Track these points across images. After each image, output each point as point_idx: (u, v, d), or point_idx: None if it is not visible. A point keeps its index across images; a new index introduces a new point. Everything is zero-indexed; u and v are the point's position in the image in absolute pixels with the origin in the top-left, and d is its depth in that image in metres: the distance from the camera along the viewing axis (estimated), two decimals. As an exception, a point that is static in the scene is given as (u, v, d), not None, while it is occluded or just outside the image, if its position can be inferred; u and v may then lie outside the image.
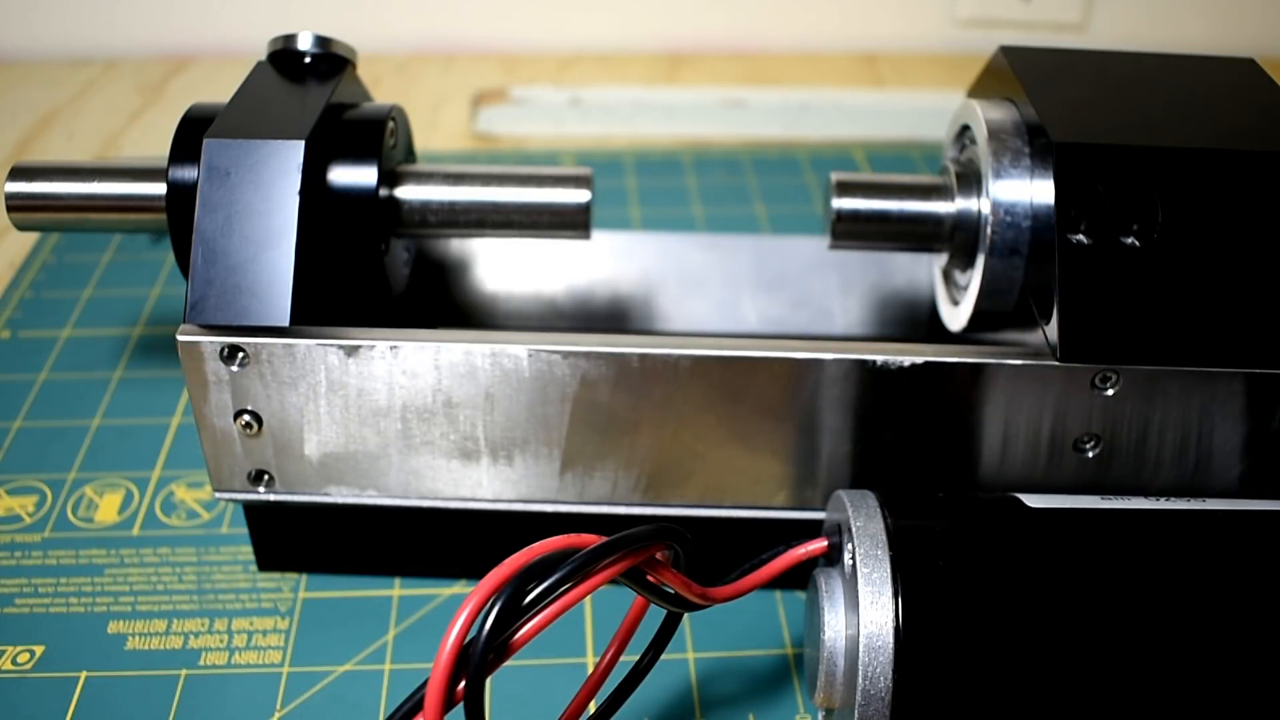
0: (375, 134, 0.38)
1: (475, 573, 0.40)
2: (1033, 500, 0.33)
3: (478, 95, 0.75)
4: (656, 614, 0.32)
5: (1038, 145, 0.35)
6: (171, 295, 0.55)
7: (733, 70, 0.80)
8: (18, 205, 0.39)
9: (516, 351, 0.34)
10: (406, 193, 0.39)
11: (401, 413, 0.35)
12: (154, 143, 0.69)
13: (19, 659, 0.37)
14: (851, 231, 0.39)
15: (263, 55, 0.41)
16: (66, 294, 0.55)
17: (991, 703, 0.30)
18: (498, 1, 0.82)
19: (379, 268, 0.39)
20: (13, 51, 0.81)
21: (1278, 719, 0.30)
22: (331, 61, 0.40)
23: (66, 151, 0.68)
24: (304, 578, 0.40)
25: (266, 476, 0.36)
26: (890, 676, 0.29)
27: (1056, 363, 0.33)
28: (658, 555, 0.29)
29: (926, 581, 0.30)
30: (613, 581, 0.28)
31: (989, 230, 0.35)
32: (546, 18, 0.82)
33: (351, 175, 0.37)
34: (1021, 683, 0.29)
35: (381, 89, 0.73)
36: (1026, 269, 0.36)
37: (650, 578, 0.29)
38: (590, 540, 0.28)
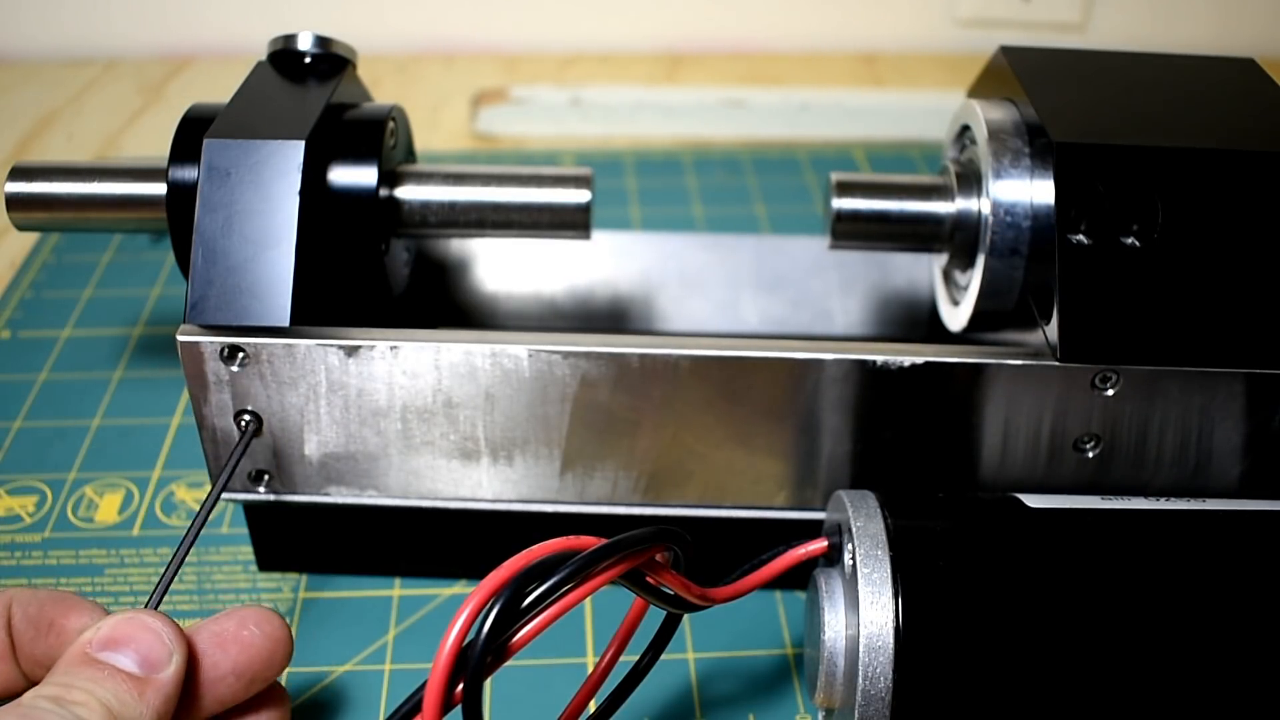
0: (375, 134, 0.38)
1: (475, 573, 0.40)
2: (1033, 500, 0.33)
3: (478, 95, 0.75)
4: (656, 614, 0.32)
5: (1038, 145, 0.35)
6: (171, 295, 0.55)
7: (733, 70, 0.80)
8: (18, 205, 0.39)
9: (516, 352, 0.34)
10: (407, 193, 0.39)
11: (401, 413, 0.35)
12: (154, 143, 0.69)
13: (19, 659, 0.37)
14: (851, 231, 0.39)
15: (263, 55, 0.41)
16: (66, 294, 0.55)
17: (991, 702, 0.30)
18: (498, 1, 0.82)
19: (379, 268, 0.39)
20: (13, 51, 0.81)
21: (1278, 719, 0.30)
22: (331, 61, 0.40)
23: (66, 152, 0.68)
24: (304, 578, 0.40)
25: (266, 476, 0.36)
26: (890, 676, 0.29)
27: (1056, 363, 0.33)
28: (657, 557, 0.29)
29: (926, 581, 0.30)
30: (612, 583, 0.28)
31: (989, 230, 0.35)
32: (546, 18, 0.82)
33: (352, 175, 0.37)
34: (1021, 682, 0.29)
35: (381, 89, 0.73)
36: (1026, 269, 0.36)
37: (650, 579, 0.29)
38: (589, 542, 0.28)
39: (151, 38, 0.82)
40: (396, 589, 0.40)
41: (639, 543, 0.28)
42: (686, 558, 0.30)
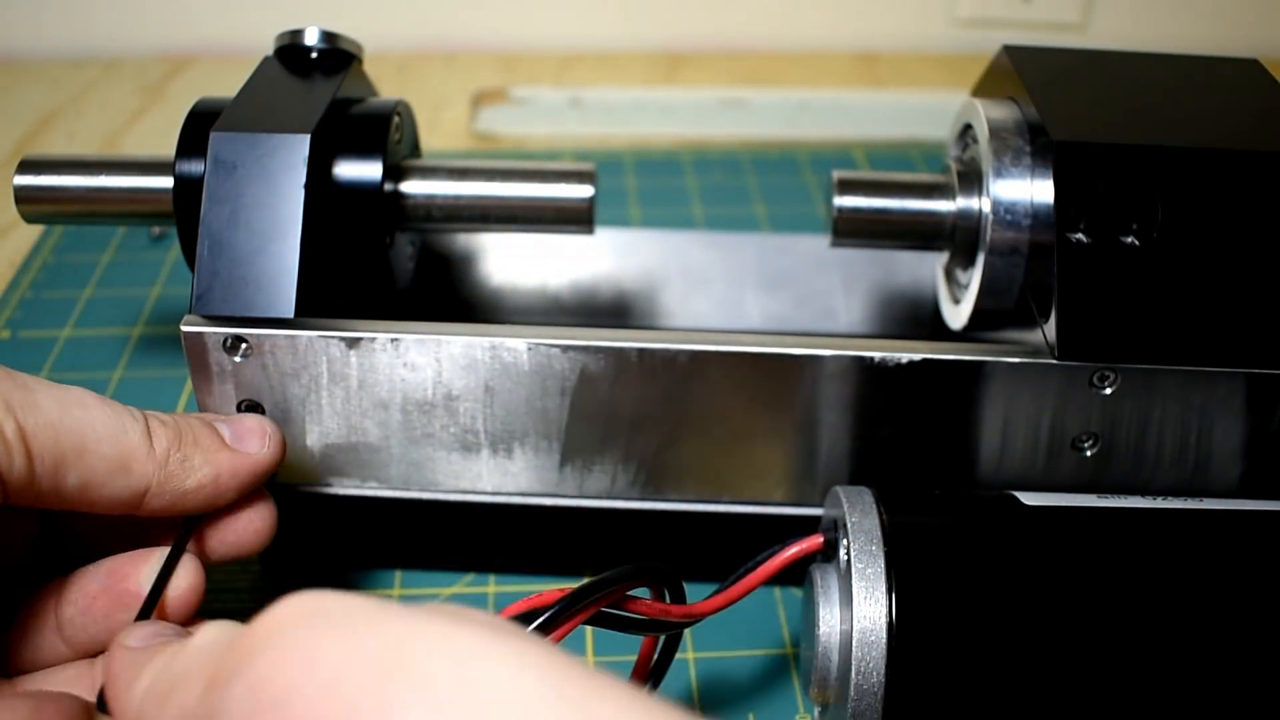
0: (380, 128, 0.38)
1: (475, 565, 0.40)
2: (1029, 498, 0.33)
3: (478, 95, 0.75)
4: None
5: (1039, 144, 0.35)
6: (171, 295, 0.55)
7: (733, 70, 0.80)
8: (27, 198, 0.40)
9: (516, 345, 0.34)
10: (411, 187, 0.39)
11: (402, 405, 0.35)
12: (154, 143, 0.69)
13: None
14: (853, 229, 0.39)
15: (263, 55, 0.41)
16: (66, 294, 0.55)
17: (984, 699, 0.30)
18: (498, 1, 0.82)
19: (383, 261, 0.39)
20: (13, 51, 0.81)
21: (1277, 718, 0.30)
22: (337, 56, 0.40)
23: (67, 151, 0.68)
24: (304, 577, 0.40)
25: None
26: (883, 671, 0.29)
27: (1054, 361, 0.33)
28: (634, 593, 0.30)
29: (921, 577, 0.30)
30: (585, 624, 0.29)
31: (989, 229, 0.35)
32: (546, 18, 0.82)
33: (357, 169, 0.38)
34: (1014, 679, 0.29)
35: (382, 89, 0.73)
36: (1026, 268, 0.36)
37: (622, 613, 0.29)
38: (551, 597, 0.28)
39: (151, 38, 0.82)
40: (396, 589, 0.40)
41: (604, 586, 0.28)
42: (670, 584, 0.30)
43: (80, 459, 0.28)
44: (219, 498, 0.31)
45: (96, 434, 0.29)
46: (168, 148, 0.38)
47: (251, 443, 0.32)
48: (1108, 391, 0.34)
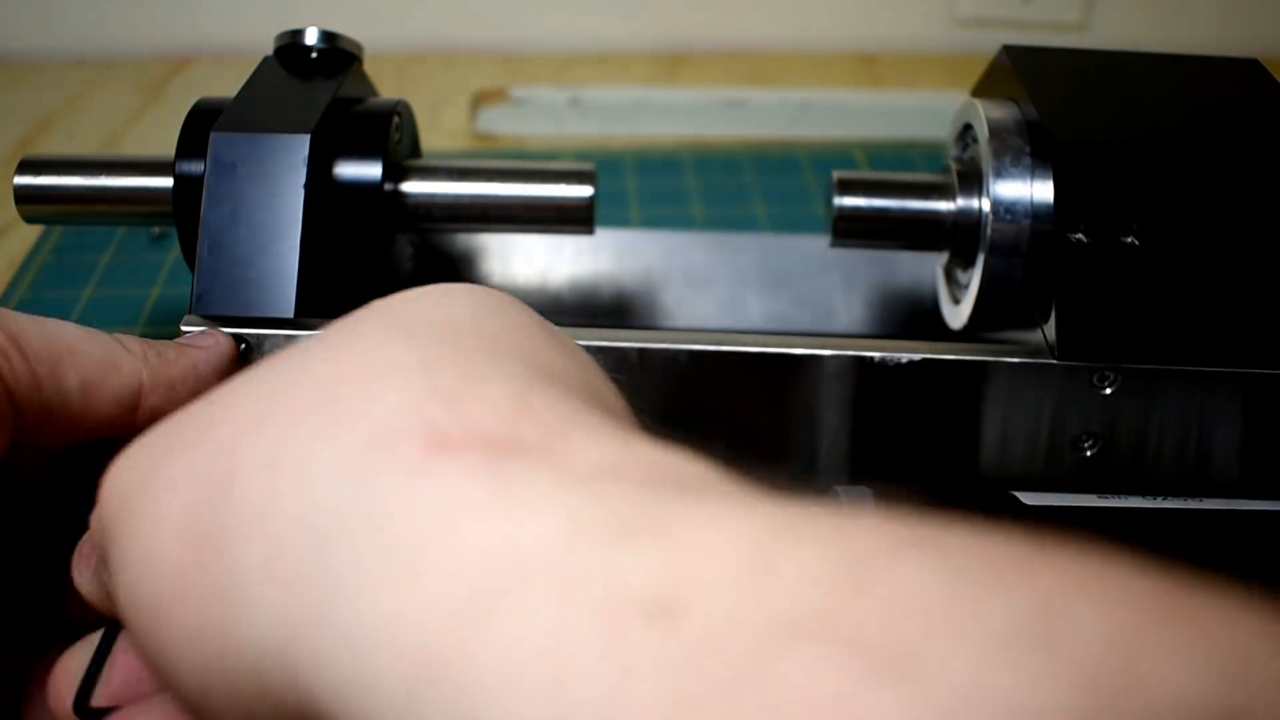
0: (381, 129, 0.38)
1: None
2: (1029, 498, 0.33)
3: (478, 95, 0.75)
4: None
5: (1039, 144, 0.35)
6: (171, 295, 0.55)
7: (733, 70, 0.80)
8: (26, 198, 0.40)
9: (518, 347, 0.34)
10: (411, 187, 0.39)
11: (403, 407, 0.35)
12: (154, 143, 0.69)
13: (20, 655, 0.37)
14: (853, 229, 0.39)
15: (263, 55, 0.41)
16: (66, 294, 0.55)
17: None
18: (498, 1, 0.82)
19: (383, 261, 0.39)
20: (13, 51, 0.81)
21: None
22: (337, 56, 0.40)
23: (66, 151, 0.68)
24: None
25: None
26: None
27: (1054, 361, 0.33)
28: None
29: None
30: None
31: (989, 229, 0.35)
32: (546, 18, 0.82)
33: (357, 169, 0.38)
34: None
35: (381, 89, 0.73)
36: (1026, 267, 0.36)
37: None
38: None
39: (151, 38, 0.82)
40: (396, 585, 0.40)
41: None
42: None
43: (73, 356, 0.28)
44: (203, 383, 0.31)
45: (77, 334, 0.29)
46: (168, 148, 0.38)
47: (204, 339, 0.33)
48: (1108, 391, 0.34)
